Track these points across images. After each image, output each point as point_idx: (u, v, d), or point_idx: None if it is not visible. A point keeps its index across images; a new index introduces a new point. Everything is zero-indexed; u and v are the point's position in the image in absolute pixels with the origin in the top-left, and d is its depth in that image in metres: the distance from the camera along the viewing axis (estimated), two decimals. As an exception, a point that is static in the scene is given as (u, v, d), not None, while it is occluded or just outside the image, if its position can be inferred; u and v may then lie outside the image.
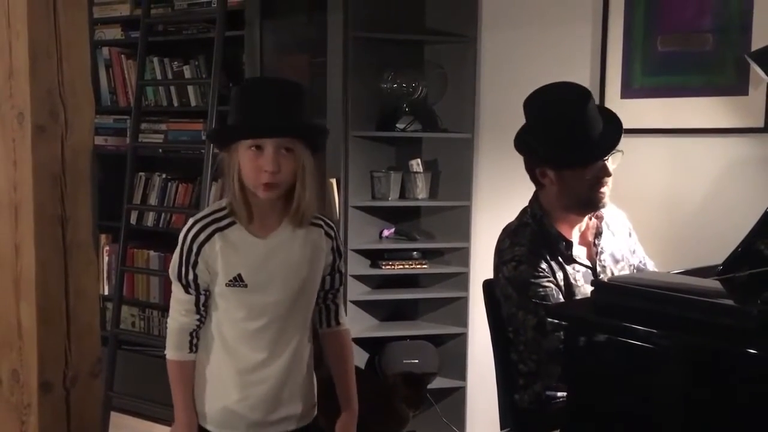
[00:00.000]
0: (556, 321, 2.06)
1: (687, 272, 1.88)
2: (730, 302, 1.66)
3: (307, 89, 1.85)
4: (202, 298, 1.84)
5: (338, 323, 2.00)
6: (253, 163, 1.75)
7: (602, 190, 2.15)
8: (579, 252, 2.22)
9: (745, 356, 1.46)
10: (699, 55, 2.72)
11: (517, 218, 2.27)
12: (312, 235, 1.88)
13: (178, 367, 1.87)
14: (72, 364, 2.04)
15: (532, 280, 2.10)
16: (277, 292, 1.83)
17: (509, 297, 2.17)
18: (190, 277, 1.82)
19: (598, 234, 2.26)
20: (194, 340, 1.87)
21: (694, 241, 2.70)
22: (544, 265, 2.13)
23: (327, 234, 1.91)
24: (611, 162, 2.15)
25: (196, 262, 1.81)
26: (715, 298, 1.63)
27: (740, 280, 1.68)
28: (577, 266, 2.19)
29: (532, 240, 2.17)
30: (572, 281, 2.17)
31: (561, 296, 2.13)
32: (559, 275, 2.15)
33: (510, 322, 2.20)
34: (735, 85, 2.65)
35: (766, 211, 1.77)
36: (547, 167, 2.17)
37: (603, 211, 2.25)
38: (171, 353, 1.87)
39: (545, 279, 2.11)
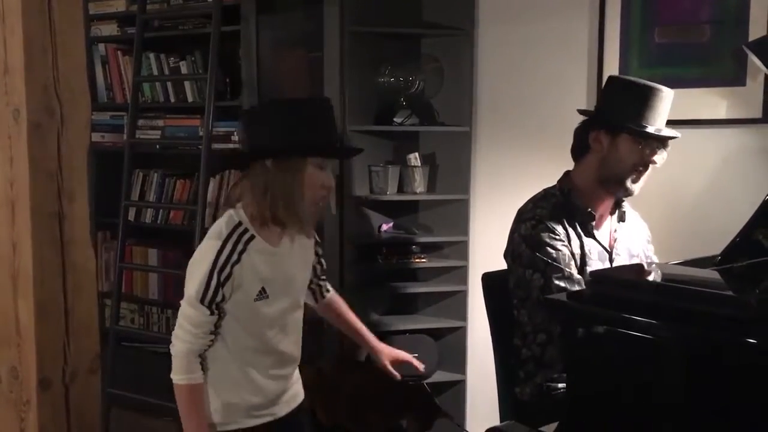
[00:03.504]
0: (563, 285, 2.11)
1: (685, 263, 1.88)
2: (728, 292, 1.66)
3: None
4: (220, 318, 1.87)
5: (328, 291, 2.20)
6: (317, 179, 1.85)
7: (641, 177, 2.21)
8: (598, 233, 2.27)
9: (744, 346, 1.46)
10: (696, 47, 2.71)
11: (543, 190, 2.32)
12: (303, 239, 2.00)
13: (190, 391, 1.85)
14: (70, 360, 2.04)
15: (547, 240, 2.15)
16: (288, 298, 1.94)
17: (520, 255, 2.19)
18: (218, 298, 1.83)
19: (621, 220, 2.32)
20: (202, 361, 1.88)
21: (692, 231, 2.70)
22: (561, 230, 2.18)
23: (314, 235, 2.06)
24: (658, 157, 2.20)
25: (225, 283, 1.83)
26: (713, 289, 1.63)
27: (739, 270, 1.68)
28: (594, 242, 2.24)
29: (555, 206, 2.23)
30: (587, 252, 2.21)
31: (573, 263, 2.16)
32: (576, 243, 2.20)
33: (516, 292, 2.21)
34: (733, 76, 2.65)
35: (764, 201, 1.77)
36: (605, 130, 2.21)
37: (626, 214, 2.33)
38: (181, 377, 1.85)
39: (560, 242, 2.16)
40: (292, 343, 1.98)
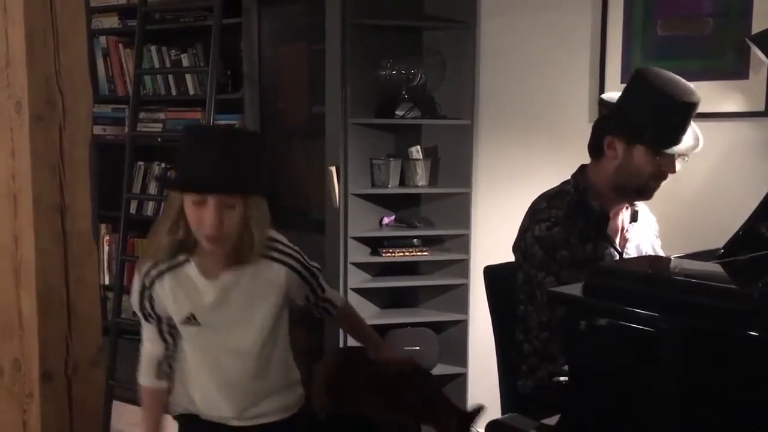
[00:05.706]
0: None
1: (688, 256, 1.88)
2: (730, 285, 1.66)
3: (253, 138, 1.85)
4: (165, 327, 1.88)
5: (335, 307, 2.07)
6: (197, 215, 1.74)
7: (658, 186, 2.13)
8: (611, 233, 2.22)
9: (746, 339, 1.46)
10: (699, 40, 2.70)
11: (557, 186, 2.25)
12: (265, 272, 1.86)
13: (147, 394, 1.94)
14: (73, 353, 2.04)
15: (563, 244, 2.09)
16: (236, 327, 1.86)
17: (533, 256, 2.13)
18: (147, 307, 1.86)
19: (633, 220, 2.27)
20: (164, 368, 1.93)
21: (695, 224, 2.70)
22: (576, 232, 2.12)
23: (290, 267, 1.89)
24: (679, 163, 2.12)
25: (150, 296, 1.84)
26: (716, 282, 1.63)
27: (741, 263, 1.68)
28: (607, 243, 2.20)
29: (569, 206, 2.16)
30: (600, 254, 2.16)
31: (587, 265, 2.11)
32: (589, 247, 2.15)
33: (523, 288, 2.20)
34: (735, 69, 2.64)
35: (767, 194, 1.77)
36: (620, 137, 2.11)
37: (638, 213, 2.28)
38: (141, 379, 1.95)
39: (576, 245, 2.10)
40: (241, 371, 1.88)
